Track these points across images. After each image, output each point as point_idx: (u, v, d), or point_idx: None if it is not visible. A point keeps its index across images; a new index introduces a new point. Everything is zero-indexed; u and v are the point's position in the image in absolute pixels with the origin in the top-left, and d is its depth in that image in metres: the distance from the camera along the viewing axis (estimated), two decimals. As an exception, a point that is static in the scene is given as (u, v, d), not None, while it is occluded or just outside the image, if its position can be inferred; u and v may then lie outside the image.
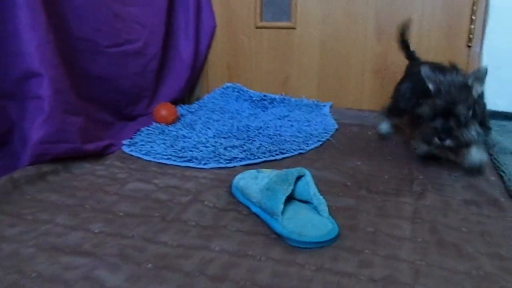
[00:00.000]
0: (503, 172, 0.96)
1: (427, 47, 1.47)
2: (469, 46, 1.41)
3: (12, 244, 0.72)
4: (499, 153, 1.07)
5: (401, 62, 1.52)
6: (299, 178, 0.81)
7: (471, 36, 1.40)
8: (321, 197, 0.79)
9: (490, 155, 1.12)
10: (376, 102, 1.60)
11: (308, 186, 0.80)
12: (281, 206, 0.75)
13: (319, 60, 1.62)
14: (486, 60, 1.39)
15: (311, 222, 0.75)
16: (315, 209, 0.79)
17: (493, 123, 1.35)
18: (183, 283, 0.62)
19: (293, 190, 0.81)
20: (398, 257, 0.69)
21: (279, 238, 0.74)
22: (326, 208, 0.78)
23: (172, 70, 1.58)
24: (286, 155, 1.18)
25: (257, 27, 1.66)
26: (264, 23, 1.66)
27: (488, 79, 1.38)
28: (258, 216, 0.81)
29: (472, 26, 1.40)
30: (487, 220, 0.83)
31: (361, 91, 1.61)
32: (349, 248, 0.71)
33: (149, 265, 0.66)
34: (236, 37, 1.70)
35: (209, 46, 1.72)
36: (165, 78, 1.57)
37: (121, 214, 0.84)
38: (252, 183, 0.86)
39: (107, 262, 0.67)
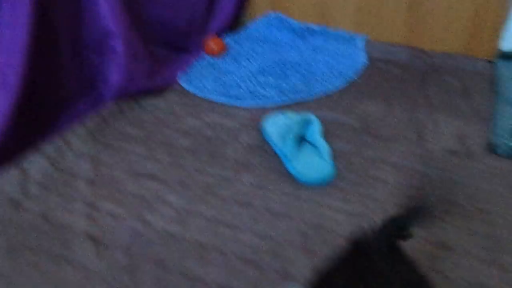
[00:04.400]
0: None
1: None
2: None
3: (108, 169, 1.06)
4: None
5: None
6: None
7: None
8: (325, 144, 1.05)
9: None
10: (409, 36, 1.70)
11: (315, 133, 1.06)
12: (292, 151, 1.02)
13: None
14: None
15: (315, 165, 1.02)
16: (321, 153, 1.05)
17: None
18: (221, 208, 0.94)
19: (306, 133, 1.08)
20: (374, 196, 0.96)
21: (291, 176, 1.02)
22: (328, 154, 1.04)
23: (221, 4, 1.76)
24: (314, 96, 1.41)
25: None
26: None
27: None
28: (278, 156, 1.09)
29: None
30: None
31: (395, 23, 1.70)
32: (340, 188, 0.99)
33: (199, 192, 0.98)
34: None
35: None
36: (214, 12, 1.75)
37: (180, 147, 1.15)
38: (275, 129, 1.13)
39: (172, 188, 1.00)
